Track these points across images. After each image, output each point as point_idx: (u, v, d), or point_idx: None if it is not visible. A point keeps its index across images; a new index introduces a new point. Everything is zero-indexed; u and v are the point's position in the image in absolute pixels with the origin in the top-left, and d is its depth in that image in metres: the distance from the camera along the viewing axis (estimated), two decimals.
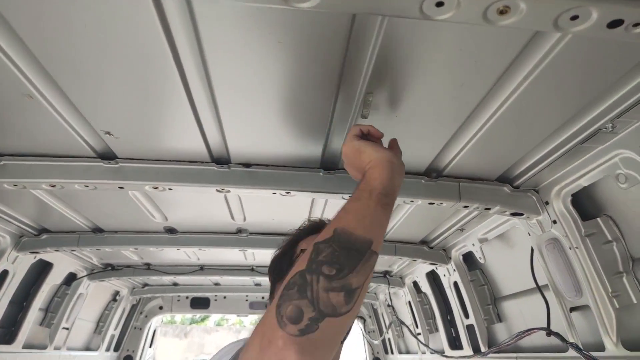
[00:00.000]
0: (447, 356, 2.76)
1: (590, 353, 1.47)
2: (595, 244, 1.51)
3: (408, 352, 3.68)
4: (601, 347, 1.52)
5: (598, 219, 1.51)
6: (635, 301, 1.43)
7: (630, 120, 1.17)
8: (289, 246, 1.42)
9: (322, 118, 1.33)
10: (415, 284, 3.18)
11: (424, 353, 3.24)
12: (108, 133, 1.43)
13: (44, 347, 2.91)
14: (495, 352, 2.22)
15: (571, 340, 1.66)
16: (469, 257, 2.44)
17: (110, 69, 1.08)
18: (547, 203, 1.63)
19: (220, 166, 1.61)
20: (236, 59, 1.04)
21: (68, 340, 3.16)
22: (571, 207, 1.56)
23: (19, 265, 2.38)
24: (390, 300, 3.69)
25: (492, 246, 2.20)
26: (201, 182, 1.61)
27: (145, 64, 1.06)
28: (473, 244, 2.24)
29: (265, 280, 3.89)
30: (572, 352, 1.66)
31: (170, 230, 2.45)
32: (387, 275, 3.41)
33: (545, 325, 1.71)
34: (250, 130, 1.43)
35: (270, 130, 1.42)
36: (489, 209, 1.69)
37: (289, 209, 2.15)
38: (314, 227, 1.40)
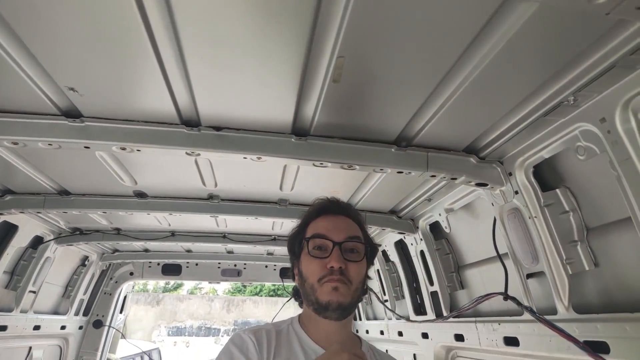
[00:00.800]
0: (411, 321, 2.87)
1: (543, 316, 1.56)
2: (553, 214, 1.58)
3: (375, 319, 3.81)
4: (554, 311, 1.62)
5: (557, 190, 1.57)
6: (587, 268, 1.51)
7: (591, 94, 1.21)
8: (301, 227, 1.46)
9: (292, 80, 1.32)
10: (384, 253, 3.26)
11: (390, 319, 3.36)
12: (72, 89, 1.39)
13: (10, 310, 2.87)
14: (456, 317, 2.33)
15: (526, 304, 1.75)
16: (435, 227, 2.51)
17: (71, 19, 1.04)
18: (510, 174, 1.69)
19: (190, 129, 1.59)
20: (204, 14, 1.02)
21: (35, 303, 3.12)
22: (532, 179, 1.62)
23: None
24: None
25: (457, 216, 2.28)
26: (171, 144, 1.59)
27: (108, 15, 1.02)
28: (440, 214, 2.30)
29: (236, 248, 3.93)
30: (527, 316, 1.76)
31: (140, 195, 2.42)
32: None
33: (503, 291, 1.80)
34: (219, 92, 1.41)
35: (240, 93, 1.41)
36: (455, 178, 1.74)
37: (261, 175, 2.16)
38: (324, 207, 1.45)
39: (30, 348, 3.33)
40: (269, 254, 4.16)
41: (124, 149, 1.59)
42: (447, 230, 2.32)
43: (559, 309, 1.59)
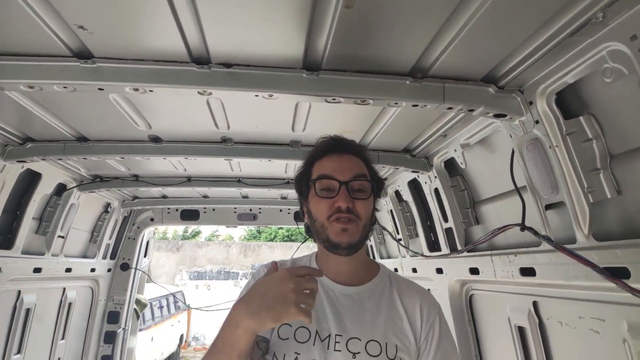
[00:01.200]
0: (425, 256, 2.93)
1: (563, 245, 1.58)
2: (575, 142, 1.55)
3: (389, 257, 3.90)
4: (572, 240, 1.62)
5: (580, 117, 1.53)
6: (609, 196, 1.49)
7: (621, 9, 1.14)
8: (307, 166, 1.47)
9: (302, 10, 1.27)
10: (397, 193, 3.28)
11: (404, 257, 3.44)
12: (81, 27, 1.36)
13: (42, 254, 3.01)
14: (471, 251, 2.37)
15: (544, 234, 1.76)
16: (450, 164, 2.49)
17: None
18: (530, 103, 1.64)
19: (201, 67, 1.56)
20: None
21: (65, 248, 3.27)
22: (555, 106, 1.57)
23: (8, 174, 2.38)
24: None
25: (473, 152, 2.25)
26: (182, 83, 1.58)
27: None
28: (455, 150, 2.28)
29: (251, 192, 3.99)
30: (544, 247, 1.78)
31: (155, 139, 2.44)
32: None
33: (520, 222, 1.81)
34: (229, 27, 1.37)
35: (249, 27, 1.37)
36: (472, 110, 1.70)
37: (272, 116, 2.14)
38: (328, 146, 1.45)
39: (65, 289, 3.53)
40: (283, 197, 4.22)
41: (136, 89, 1.58)
42: (462, 167, 2.30)
43: (578, 237, 1.60)
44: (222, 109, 2.03)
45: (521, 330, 2.17)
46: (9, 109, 1.99)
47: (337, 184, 1.35)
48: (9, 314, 2.88)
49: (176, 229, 23.05)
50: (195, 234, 23.51)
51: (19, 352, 2.99)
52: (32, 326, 3.07)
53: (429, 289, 3.12)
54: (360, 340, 1.29)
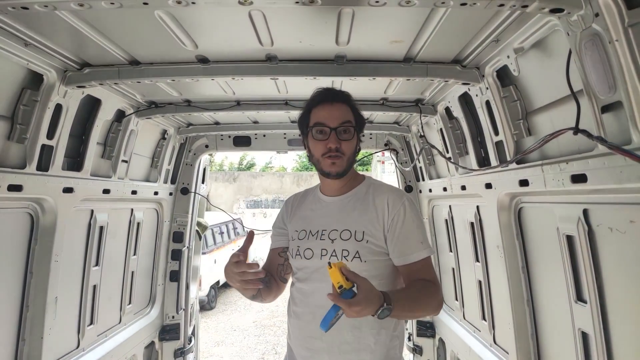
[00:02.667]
0: (473, 169, 2.90)
1: (615, 143, 1.51)
2: (637, 35, 1.42)
3: (438, 177, 3.89)
4: (628, 142, 1.55)
5: None
6: None
7: None
8: (306, 112, 2.01)
9: None
10: (447, 110, 3.19)
11: (453, 175, 3.42)
12: None
13: (109, 177, 3.28)
14: (521, 163, 2.31)
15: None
16: (502, 73, 2.37)
17: None
18: None
19: None
20: None
21: (129, 172, 3.54)
22: None
23: (70, 99, 2.56)
24: (422, 130, 3.77)
25: (527, 58, 2.12)
26: None
27: None
28: (508, 57, 2.15)
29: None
30: (597, 151, 1.71)
31: (203, 60, 2.50)
32: (420, 104, 3.43)
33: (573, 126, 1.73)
34: None
35: None
36: (526, 6, 1.59)
37: (315, 28, 2.10)
38: (322, 95, 1.97)
39: (132, 210, 3.87)
40: None
41: (179, 2, 1.61)
42: (515, 74, 2.18)
43: (634, 138, 1.52)
44: (264, 23, 2.02)
45: (569, 240, 2.16)
46: (65, 34, 2.10)
47: (328, 130, 1.86)
48: (85, 230, 3.23)
49: (232, 160, 23.98)
50: (250, 165, 24.35)
51: (97, 264, 3.38)
52: (106, 242, 3.44)
53: (477, 206, 3.16)
54: (337, 230, 1.86)
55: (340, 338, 1.82)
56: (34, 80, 2.38)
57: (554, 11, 1.60)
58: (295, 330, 1.98)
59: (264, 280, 1.85)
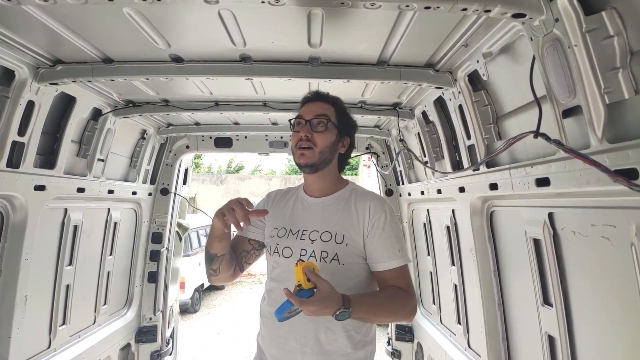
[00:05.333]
0: (445, 173, 2.93)
1: (570, 147, 1.53)
2: (594, 40, 1.45)
3: (417, 181, 3.91)
4: (587, 146, 1.57)
5: (603, 12, 1.42)
6: (626, 96, 1.41)
7: None
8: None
9: None
10: (424, 114, 3.22)
11: (429, 179, 3.44)
12: None
13: (84, 175, 3.25)
14: (491, 166, 2.34)
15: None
16: (474, 78, 2.40)
17: None
18: (551, 0, 1.53)
19: None
20: None
21: (106, 171, 3.50)
22: (575, 1, 1.46)
23: (42, 96, 2.53)
24: (402, 134, 3.79)
25: (496, 63, 2.15)
26: None
27: None
28: (477, 61, 2.18)
29: (279, 117, 4.03)
30: (559, 155, 1.74)
31: (177, 59, 2.49)
32: (397, 108, 3.45)
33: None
34: None
35: None
36: (489, 10, 1.61)
37: (287, 28, 2.10)
38: (307, 97, 2.07)
39: (109, 209, 3.83)
40: None
41: None
42: (484, 78, 2.21)
43: (592, 142, 1.55)
44: (235, 23, 2.02)
45: (536, 243, 2.18)
46: (37, 31, 2.08)
47: (304, 122, 1.94)
48: (58, 229, 3.18)
49: (221, 163, 23.88)
50: (239, 168, 24.28)
51: (70, 264, 3.33)
52: (80, 242, 3.39)
53: (453, 210, 3.19)
54: (318, 231, 1.88)
55: (314, 339, 1.83)
56: (5, 76, 2.35)
57: (516, 16, 1.63)
58: (266, 330, 1.99)
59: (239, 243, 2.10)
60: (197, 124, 4.26)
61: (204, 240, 13.17)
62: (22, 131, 2.49)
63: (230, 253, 2.01)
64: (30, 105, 2.49)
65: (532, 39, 1.71)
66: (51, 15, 1.94)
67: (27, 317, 2.75)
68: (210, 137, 4.52)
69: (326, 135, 1.92)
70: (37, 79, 2.44)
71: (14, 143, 2.46)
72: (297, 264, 1.59)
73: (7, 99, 2.36)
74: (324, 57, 2.46)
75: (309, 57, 2.47)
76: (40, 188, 2.74)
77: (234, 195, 20.41)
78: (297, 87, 3.02)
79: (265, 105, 3.46)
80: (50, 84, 2.49)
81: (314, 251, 1.85)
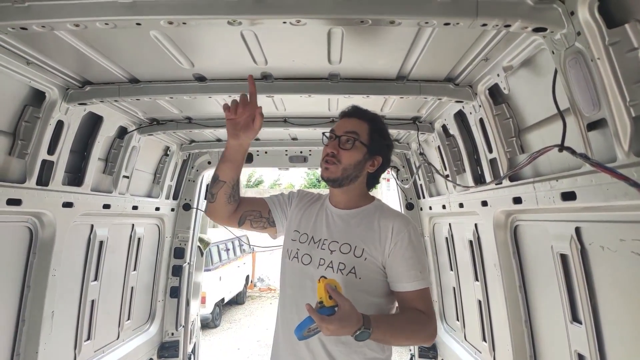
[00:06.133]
0: (468, 187, 2.90)
1: (597, 161, 1.51)
2: (618, 53, 1.43)
3: (438, 194, 3.88)
4: (613, 159, 1.54)
5: (626, 25, 1.40)
6: None
7: None
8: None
9: None
10: (444, 127, 3.21)
11: (451, 193, 3.41)
12: None
13: (110, 192, 3.33)
14: (514, 180, 2.31)
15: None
16: (495, 91, 2.39)
17: None
18: (572, 13, 1.52)
19: None
20: None
21: (130, 187, 3.59)
22: (597, 15, 1.45)
23: (72, 116, 2.62)
24: (421, 148, 3.78)
25: (517, 76, 2.13)
26: (212, 13, 1.64)
27: None
28: (498, 75, 2.17)
29: (299, 133, 4.07)
30: (585, 168, 1.70)
31: (200, 79, 2.56)
32: (417, 122, 3.45)
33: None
34: None
35: None
36: (509, 25, 1.61)
37: (307, 47, 2.15)
38: (344, 112, 2.04)
39: (133, 225, 3.91)
40: None
41: (171, 23, 1.66)
42: (505, 92, 2.20)
43: (618, 155, 1.51)
44: (257, 42, 2.07)
45: (564, 259, 2.13)
46: (68, 54, 2.17)
47: (333, 136, 1.95)
48: (85, 245, 3.26)
49: (240, 178, 24.13)
50: (258, 182, 24.50)
51: (95, 279, 3.40)
52: (106, 257, 3.47)
53: (475, 224, 3.14)
54: (337, 242, 1.89)
55: (326, 351, 1.82)
56: (36, 97, 2.45)
57: (537, 30, 1.62)
58: (283, 336, 1.98)
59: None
60: (218, 140, 4.33)
61: (224, 255, 13.26)
62: (51, 150, 2.58)
63: (232, 189, 2.05)
64: (60, 125, 2.58)
65: (553, 53, 1.70)
66: (81, 39, 2.02)
67: (54, 332, 2.81)
68: None
69: (352, 154, 1.91)
70: (66, 100, 2.53)
71: (44, 162, 2.55)
72: (319, 280, 1.59)
73: (37, 119, 2.46)
74: (344, 73, 2.49)
75: (329, 74, 2.50)
76: (68, 205, 2.82)
77: None
78: (316, 103, 3.06)
79: (285, 121, 3.50)
80: (79, 104, 2.58)
81: (332, 262, 1.86)
